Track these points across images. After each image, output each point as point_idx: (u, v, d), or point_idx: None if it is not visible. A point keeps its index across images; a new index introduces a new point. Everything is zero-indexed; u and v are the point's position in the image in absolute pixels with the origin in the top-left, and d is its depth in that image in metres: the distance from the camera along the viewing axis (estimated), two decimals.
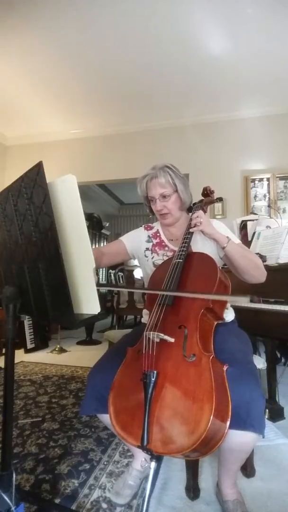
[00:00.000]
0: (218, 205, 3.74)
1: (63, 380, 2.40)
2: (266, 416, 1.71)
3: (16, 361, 1.29)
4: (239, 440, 0.90)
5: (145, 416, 0.81)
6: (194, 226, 1.16)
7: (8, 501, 0.72)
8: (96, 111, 3.90)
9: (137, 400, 0.86)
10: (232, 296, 0.91)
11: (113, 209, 8.72)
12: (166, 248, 1.33)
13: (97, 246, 7.26)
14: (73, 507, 1.08)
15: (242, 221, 2.35)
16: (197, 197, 1.44)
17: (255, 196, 3.69)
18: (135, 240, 1.39)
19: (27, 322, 3.49)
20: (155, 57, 2.94)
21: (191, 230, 1.18)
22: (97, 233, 7.22)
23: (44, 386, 2.26)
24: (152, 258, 1.33)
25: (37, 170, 0.69)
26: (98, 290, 0.70)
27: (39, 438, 1.54)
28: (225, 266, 1.26)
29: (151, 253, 1.34)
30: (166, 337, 0.93)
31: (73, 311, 0.68)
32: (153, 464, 0.81)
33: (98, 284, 0.72)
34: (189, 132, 3.96)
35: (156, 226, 1.42)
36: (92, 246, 0.72)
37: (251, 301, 0.93)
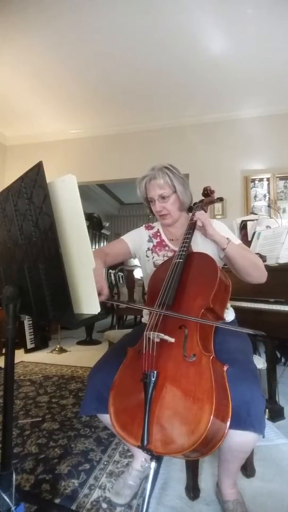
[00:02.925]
0: (218, 205, 3.74)
1: (63, 380, 2.40)
2: (266, 416, 1.71)
3: (16, 361, 1.29)
4: (239, 440, 0.90)
5: (145, 416, 0.81)
6: (200, 224, 1.16)
7: (8, 501, 0.72)
8: (96, 111, 3.90)
9: (137, 400, 0.86)
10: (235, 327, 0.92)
11: (113, 209, 8.72)
12: (167, 248, 1.33)
13: (97, 246, 7.27)
14: (73, 507, 1.08)
15: (242, 221, 2.35)
16: (198, 197, 1.44)
17: (255, 196, 3.68)
18: (137, 239, 1.39)
19: (27, 322, 3.49)
20: (155, 57, 2.93)
21: (194, 219, 1.17)
22: (97, 233, 7.22)
23: (44, 386, 2.26)
24: (153, 258, 1.33)
25: (37, 170, 0.68)
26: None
27: (39, 438, 1.54)
28: (225, 266, 1.26)
29: (152, 253, 1.34)
30: (166, 337, 0.93)
31: (73, 311, 0.68)
32: (153, 464, 0.81)
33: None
34: (189, 132, 3.96)
35: (157, 225, 1.42)
36: (92, 246, 0.72)
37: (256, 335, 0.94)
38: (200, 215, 1.17)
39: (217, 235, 1.14)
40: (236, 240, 1.23)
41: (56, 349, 3.40)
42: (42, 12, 2.43)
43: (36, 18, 2.48)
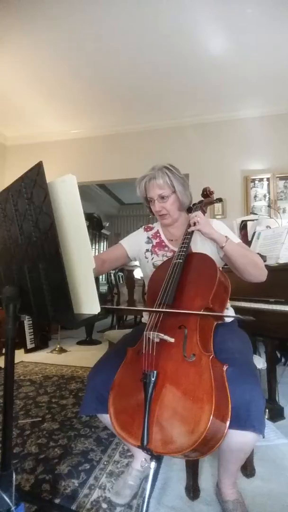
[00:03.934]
0: (218, 205, 3.74)
1: (63, 380, 2.40)
2: (266, 416, 1.71)
3: (16, 361, 1.29)
4: (239, 440, 0.90)
5: (145, 416, 0.81)
6: (193, 225, 1.16)
7: (8, 501, 0.72)
8: (96, 111, 3.90)
9: (137, 400, 0.87)
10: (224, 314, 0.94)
11: (113, 209, 8.72)
12: (166, 249, 1.33)
13: (97, 246, 7.26)
14: (73, 507, 1.08)
15: (242, 221, 2.35)
16: (197, 197, 1.44)
17: (255, 196, 3.69)
18: (135, 244, 1.39)
19: (27, 322, 3.49)
20: (155, 58, 2.93)
21: (189, 229, 1.18)
22: (97, 233, 7.21)
23: (44, 386, 2.26)
24: (152, 259, 1.33)
25: (37, 170, 0.69)
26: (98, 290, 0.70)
27: (39, 438, 1.54)
28: (226, 266, 1.26)
29: (151, 254, 1.34)
30: (166, 337, 0.93)
31: (73, 311, 0.68)
32: (153, 464, 0.81)
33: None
34: (189, 132, 3.96)
35: (156, 226, 1.42)
36: (92, 246, 0.72)
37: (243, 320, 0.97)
38: (195, 215, 1.17)
39: (215, 233, 1.14)
40: (236, 239, 1.23)
41: (56, 349, 3.40)
42: (42, 13, 2.43)
43: (37, 18, 2.48)
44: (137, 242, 1.39)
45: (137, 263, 1.45)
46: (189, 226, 1.19)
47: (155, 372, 0.87)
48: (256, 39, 2.68)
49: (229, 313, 1.26)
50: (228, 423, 0.80)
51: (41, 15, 2.45)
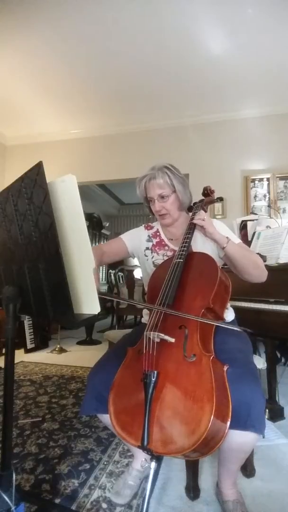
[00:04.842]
0: (218, 205, 3.74)
1: (63, 380, 2.40)
2: (266, 416, 1.71)
3: (16, 361, 1.29)
4: (239, 440, 0.90)
5: (145, 416, 0.81)
6: (197, 220, 1.16)
7: (8, 501, 0.72)
8: (96, 111, 3.90)
9: (137, 400, 0.86)
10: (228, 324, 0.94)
11: (113, 209, 8.72)
12: (166, 248, 1.33)
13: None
14: (73, 507, 1.08)
15: (242, 221, 2.35)
16: (198, 197, 1.44)
17: (255, 196, 3.68)
18: (135, 239, 1.39)
19: (27, 322, 3.49)
20: (155, 57, 2.93)
21: (194, 221, 1.18)
22: (97, 233, 7.21)
23: (44, 386, 2.26)
24: (152, 257, 1.33)
25: (37, 170, 0.69)
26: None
27: (39, 438, 1.54)
28: (225, 266, 1.26)
29: (151, 253, 1.34)
30: (166, 337, 0.93)
31: (73, 311, 0.68)
32: (153, 464, 0.81)
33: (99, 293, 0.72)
34: (189, 132, 3.96)
35: (156, 225, 1.42)
36: (92, 246, 0.72)
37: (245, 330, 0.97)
38: (200, 215, 1.17)
39: (217, 234, 1.14)
40: (236, 239, 1.23)
41: (56, 349, 3.40)
42: (42, 13, 2.42)
43: (37, 18, 2.48)
44: (138, 238, 1.39)
45: (136, 262, 1.44)
46: (191, 225, 1.20)
47: (155, 372, 0.87)
48: (256, 39, 2.68)
49: (229, 313, 1.26)
50: (228, 423, 0.79)
51: (41, 15, 2.45)
